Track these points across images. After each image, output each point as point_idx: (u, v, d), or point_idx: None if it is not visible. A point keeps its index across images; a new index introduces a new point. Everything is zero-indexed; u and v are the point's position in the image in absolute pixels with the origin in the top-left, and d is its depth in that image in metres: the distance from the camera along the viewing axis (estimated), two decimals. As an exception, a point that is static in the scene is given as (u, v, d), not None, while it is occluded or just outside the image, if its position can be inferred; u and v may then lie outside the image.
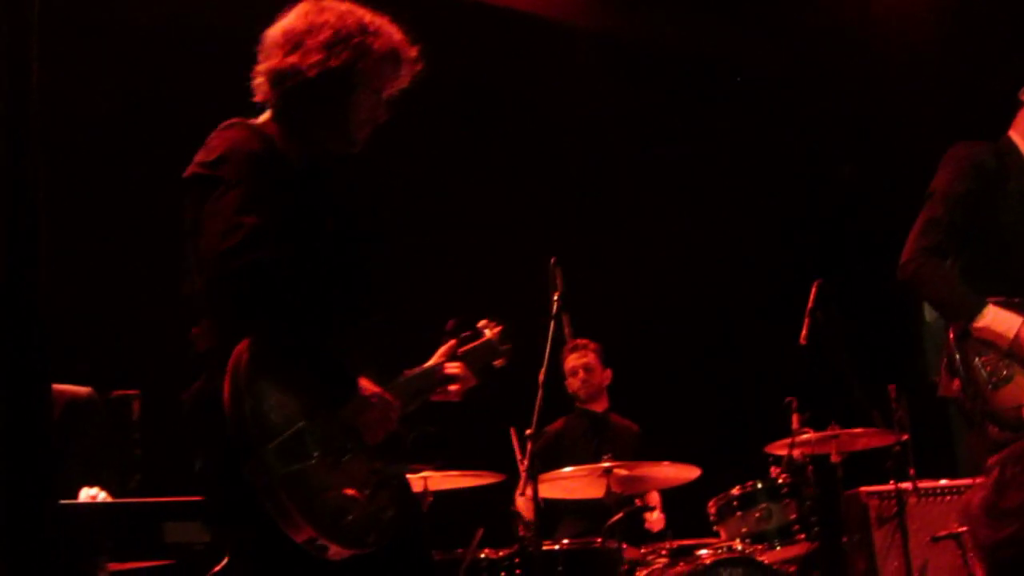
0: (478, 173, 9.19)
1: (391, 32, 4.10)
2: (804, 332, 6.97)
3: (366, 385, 3.84)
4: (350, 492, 3.71)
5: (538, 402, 5.57)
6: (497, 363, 4.74)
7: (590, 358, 8.03)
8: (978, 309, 4.99)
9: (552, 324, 5.64)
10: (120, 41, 7.73)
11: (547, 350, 5.61)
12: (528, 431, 5.57)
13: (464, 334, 4.54)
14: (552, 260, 5.71)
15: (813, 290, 7.05)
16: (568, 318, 5.68)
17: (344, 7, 4.06)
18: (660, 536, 7.09)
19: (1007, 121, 5.43)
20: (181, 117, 6.83)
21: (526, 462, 5.67)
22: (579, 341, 7.94)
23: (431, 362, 4.39)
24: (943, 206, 5.20)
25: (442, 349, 4.46)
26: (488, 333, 4.70)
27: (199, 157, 3.84)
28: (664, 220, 9.68)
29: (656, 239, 9.62)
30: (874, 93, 10.35)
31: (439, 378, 4.37)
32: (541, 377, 5.60)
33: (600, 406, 8.08)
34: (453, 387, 4.39)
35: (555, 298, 5.68)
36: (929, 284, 5.13)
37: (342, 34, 3.97)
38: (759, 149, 10.29)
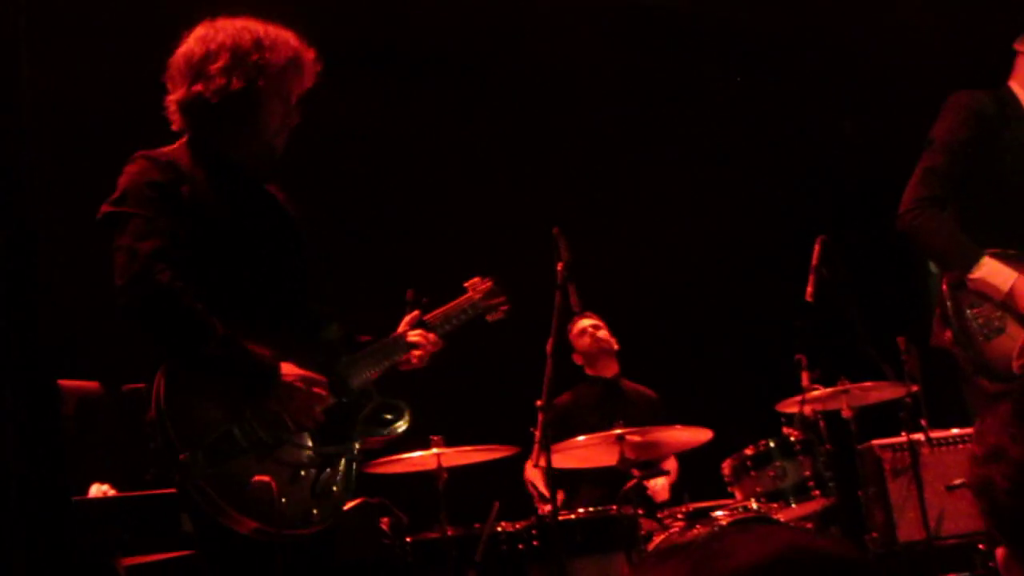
0: (481, 144, 9.19)
1: (287, 41, 4.29)
2: (810, 289, 6.96)
3: (289, 371, 4.05)
4: (280, 479, 3.92)
5: (548, 372, 5.56)
6: (491, 317, 4.99)
7: (594, 319, 8.07)
8: (975, 260, 4.98)
9: (558, 294, 5.63)
10: (117, 37, 7.73)
11: (554, 320, 5.60)
12: (538, 402, 5.56)
13: (423, 302, 4.74)
14: (555, 229, 5.70)
15: (817, 246, 7.04)
16: (574, 287, 5.66)
17: (238, 25, 4.24)
18: (676, 500, 7.10)
19: (1007, 70, 5.41)
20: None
21: (538, 433, 5.66)
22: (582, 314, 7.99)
23: (396, 333, 4.61)
24: (943, 154, 5.18)
25: (406, 318, 4.68)
26: (470, 292, 4.92)
27: (110, 198, 4.07)
28: (666, 183, 9.66)
29: (659, 202, 9.60)
30: (874, 46, 10.31)
31: (401, 346, 4.57)
32: (549, 347, 5.59)
33: (610, 371, 8.09)
34: (416, 353, 4.59)
35: (560, 268, 5.67)
36: (927, 234, 5.11)
37: (239, 55, 4.17)
38: (760, 107, 10.26)
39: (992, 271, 4.95)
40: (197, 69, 4.18)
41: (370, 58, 8.55)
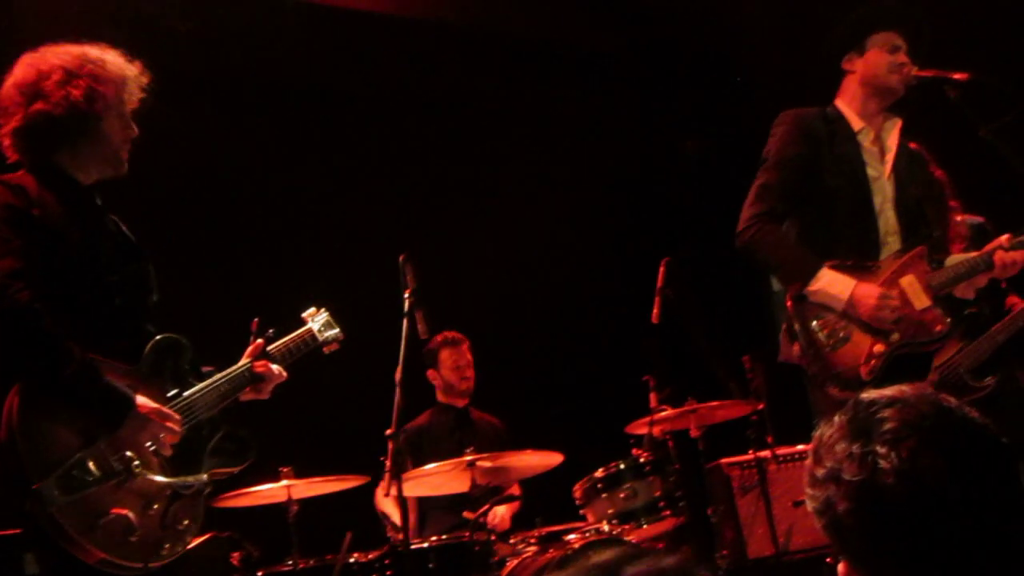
0: (327, 172, 9.11)
1: (112, 55, 4.33)
2: (656, 310, 7.04)
3: (145, 402, 4.03)
4: (134, 511, 3.89)
5: (396, 400, 5.54)
6: (328, 349, 5.00)
7: (471, 356, 8.05)
8: (814, 272, 5.08)
9: (405, 321, 5.61)
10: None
11: (402, 348, 5.57)
12: (388, 430, 5.52)
13: (268, 333, 4.72)
14: (402, 257, 5.68)
15: (662, 268, 7.12)
16: (422, 314, 5.65)
17: (61, 48, 4.26)
18: (529, 524, 7.10)
19: (835, 88, 5.54)
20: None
21: (388, 462, 5.61)
22: (454, 335, 7.96)
23: (239, 363, 4.57)
24: (776, 171, 5.29)
25: (249, 349, 4.65)
26: (310, 323, 4.94)
27: None
28: (512, 206, 9.68)
29: (505, 226, 9.61)
30: (717, 69, 10.49)
31: (246, 377, 4.54)
32: (398, 375, 5.57)
33: (462, 401, 8.06)
34: (261, 385, 4.59)
35: (407, 295, 5.65)
36: (766, 248, 5.20)
37: (71, 69, 4.19)
38: (605, 129, 10.36)
39: (831, 281, 5.06)
40: (33, 91, 4.15)
41: (217, 86, 8.46)
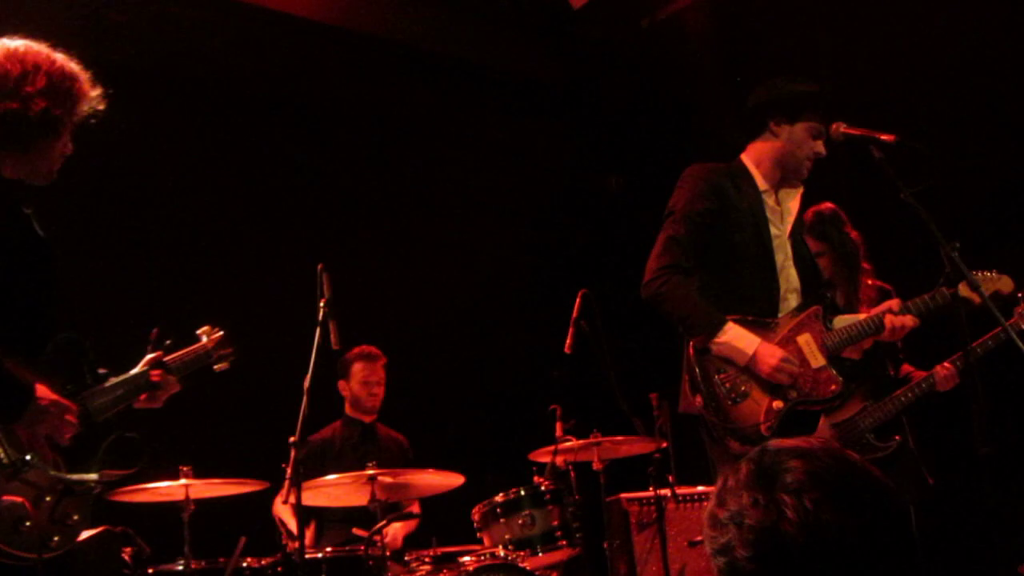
0: (246, 179, 9.05)
1: (81, 74, 4.32)
2: (569, 341, 7.07)
3: (43, 394, 4.02)
4: (27, 501, 3.90)
5: (303, 409, 5.52)
6: (218, 367, 5.01)
7: (383, 373, 8.02)
8: (719, 326, 5.13)
9: (318, 330, 5.60)
10: None
11: (312, 357, 5.57)
12: (292, 438, 5.50)
13: (167, 343, 4.73)
14: (320, 266, 5.67)
15: (578, 300, 7.16)
16: (335, 324, 5.64)
17: (36, 49, 4.23)
18: (425, 543, 7.10)
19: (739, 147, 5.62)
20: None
21: (290, 469, 5.59)
22: (371, 349, 7.94)
23: (136, 369, 4.57)
24: (683, 224, 5.33)
25: (147, 357, 4.64)
26: (204, 340, 4.94)
27: None
28: (432, 229, 9.69)
29: (424, 247, 9.62)
30: (643, 105, 10.57)
31: (142, 384, 4.55)
32: (307, 383, 5.56)
33: (369, 417, 8.04)
34: (157, 394, 4.61)
35: (321, 304, 5.65)
36: (672, 300, 5.22)
37: (56, 81, 4.19)
38: (533, 158, 10.40)
39: (737, 336, 5.11)
40: (9, 88, 4.12)
41: (136, 83, 8.38)
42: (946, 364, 6.15)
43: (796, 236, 5.51)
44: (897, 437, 5.88)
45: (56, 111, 4.15)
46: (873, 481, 1.96)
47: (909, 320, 5.30)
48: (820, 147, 5.42)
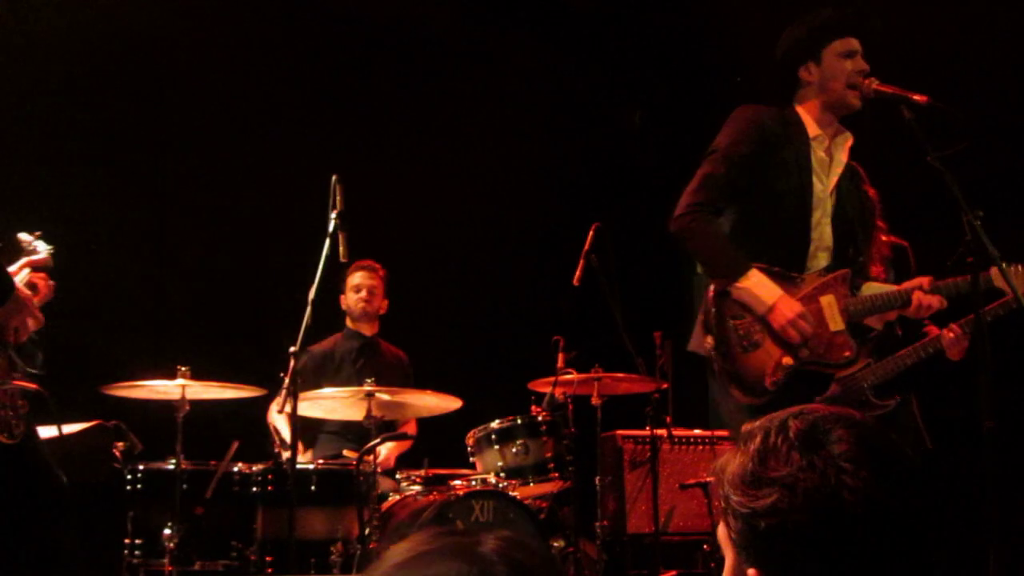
0: (262, 88, 8.99)
1: None
2: (578, 273, 7.04)
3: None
4: None
5: (306, 319, 5.49)
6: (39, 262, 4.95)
7: (377, 282, 7.94)
8: (743, 271, 5.05)
9: (328, 242, 5.56)
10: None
11: (320, 267, 5.53)
12: (292, 348, 5.48)
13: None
14: (334, 177, 5.62)
15: (591, 233, 7.12)
16: (345, 236, 5.59)
17: None
18: (416, 463, 7.10)
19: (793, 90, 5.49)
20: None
21: (288, 378, 5.57)
22: (370, 262, 7.89)
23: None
24: (723, 165, 5.22)
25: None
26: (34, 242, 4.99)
27: None
28: (448, 148, 9.60)
29: (439, 168, 9.54)
30: (673, 41, 10.46)
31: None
32: (311, 295, 5.52)
33: (370, 330, 8.01)
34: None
35: (333, 215, 5.60)
36: (699, 239, 5.14)
37: None
38: (558, 86, 10.30)
39: (759, 283, 5.03)
40: None
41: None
42: (954, 326, 6.09)
43: (841, 190, 5.38)
44: (897, 396, 5.83)
45: None
46: (910, 459, 1.94)
47: (936, 301, 5.21)
48: (859, 61, 5.28)
